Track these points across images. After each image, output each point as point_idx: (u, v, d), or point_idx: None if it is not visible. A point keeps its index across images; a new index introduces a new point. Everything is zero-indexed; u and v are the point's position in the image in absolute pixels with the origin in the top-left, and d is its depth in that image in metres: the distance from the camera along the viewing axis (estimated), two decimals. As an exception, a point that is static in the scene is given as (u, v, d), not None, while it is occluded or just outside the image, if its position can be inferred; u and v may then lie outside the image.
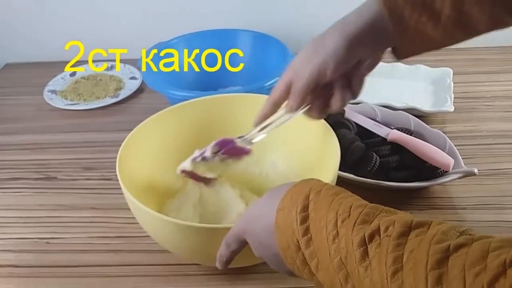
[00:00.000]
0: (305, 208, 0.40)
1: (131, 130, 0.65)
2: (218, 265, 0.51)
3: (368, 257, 0.34)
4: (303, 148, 0.69)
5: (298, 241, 0.40)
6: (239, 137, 0.61)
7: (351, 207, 0.38)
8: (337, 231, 0.37)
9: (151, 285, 0.62)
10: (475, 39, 0.51)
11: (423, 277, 0.30)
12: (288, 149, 0.72)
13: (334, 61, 0.50)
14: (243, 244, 0.47)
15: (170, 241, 0.58)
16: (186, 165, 0.62)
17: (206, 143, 0.72)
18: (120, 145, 0.62)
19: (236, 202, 0.66)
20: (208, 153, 0.61)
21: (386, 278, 0.32)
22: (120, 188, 0.57)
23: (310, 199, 0.40)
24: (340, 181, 0.60)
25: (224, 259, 0.50)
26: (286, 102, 0.56)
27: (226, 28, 1.01)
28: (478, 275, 0.28)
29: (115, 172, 0.54)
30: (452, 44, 0.52)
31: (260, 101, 0.72)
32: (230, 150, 0.61)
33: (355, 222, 0.36)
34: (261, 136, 0.59)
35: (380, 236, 0.34)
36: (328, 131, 0.63)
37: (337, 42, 0.50)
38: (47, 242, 0.68)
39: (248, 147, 0.61)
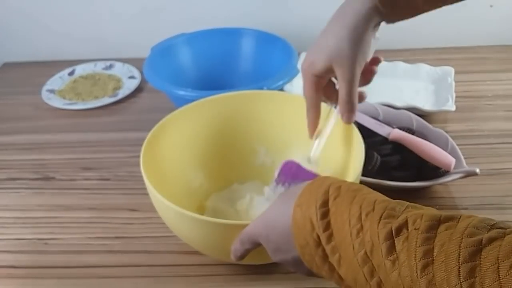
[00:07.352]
0: (325, 203, 0.40)
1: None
2: (232, 257, 0.51)
3: (396, 251, 0.33)
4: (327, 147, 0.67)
5: (318, 237, 0.39)
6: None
7: (375, 201, 0.37)
8: (362, 225, 0.36)
9: (150, 285, 0.61)
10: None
11: (455, 269, 0.29)
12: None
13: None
14: (257, 245, 0.47)
15: (203, 240, 0.57)
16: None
17: (228, 140, 0.70)
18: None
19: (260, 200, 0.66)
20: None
21: (416, 272, 0.32)
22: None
23: (330, 194, 0.40)
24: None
25: (238, 254, 0.50)
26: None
27: (229, 27, 1.00)
28: None
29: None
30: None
31: (285, 98, 0.69)
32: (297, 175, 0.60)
33: (381, 216, 0.36)
34: (318, 147, 0.60)
35: (407, 230, 0.33)
36: (351, 129, 0.62)
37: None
38: (46, 243, 0.68)
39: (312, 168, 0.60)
